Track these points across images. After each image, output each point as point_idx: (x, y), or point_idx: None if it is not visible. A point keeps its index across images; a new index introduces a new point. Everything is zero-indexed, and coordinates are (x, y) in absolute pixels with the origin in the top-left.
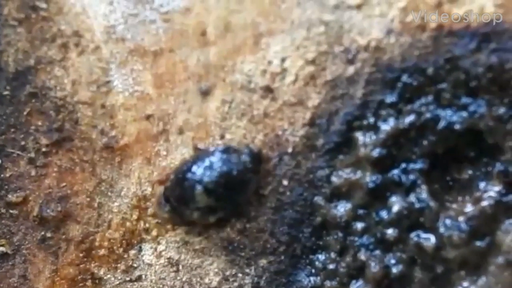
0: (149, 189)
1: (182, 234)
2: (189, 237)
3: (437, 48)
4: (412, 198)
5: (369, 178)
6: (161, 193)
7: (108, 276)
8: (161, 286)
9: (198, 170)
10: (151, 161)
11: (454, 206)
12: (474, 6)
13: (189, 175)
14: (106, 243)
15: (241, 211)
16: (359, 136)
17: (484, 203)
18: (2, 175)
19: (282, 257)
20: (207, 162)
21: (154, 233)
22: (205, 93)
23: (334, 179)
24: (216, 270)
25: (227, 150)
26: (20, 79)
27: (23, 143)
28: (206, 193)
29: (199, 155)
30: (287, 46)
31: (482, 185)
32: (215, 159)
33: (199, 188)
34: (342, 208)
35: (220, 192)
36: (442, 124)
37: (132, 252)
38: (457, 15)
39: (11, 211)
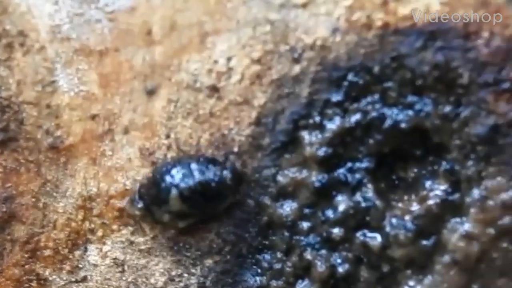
0: (95, 189)
1: (127, 234)
2: (135, 237)
3: (383, 46)
4: (358, 197)
5: (315, 177)
6: (136, 190)
7: (54, 277)
8: (106, 286)
9: (177, 174)
10: (97, 161)
11: (400, 205)
12: (420, 4)
13: (167, 177)
14: (51, 244)
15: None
16: (305, 135)
17: (430, 202)
18: None
19: (228, 257)
20: (187, 168)
21: (99, 233)
22: (151, 93)
23: (280, 178)
24: (161, 270)
25: (210, 161)
26: None
27: None
28: (180, 198)
29: (182, 158)
30: (233, 45)
31: (428, 184)
32: (197, 167)
33: (174, 192)
34: (288, 208)
35: (195, 200)
36: (388, 123)
37: (78, 252)
38: (403, 13)
39: None
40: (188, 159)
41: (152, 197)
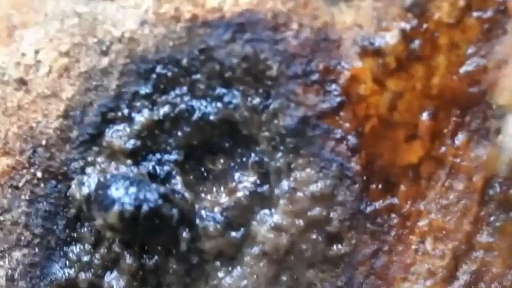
0: None
1: None
2: None
3: (191, 39)
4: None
5: (124, 170)
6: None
7: None
8: None
9: (129, 192)
10: None
11: (209, 197)
12: None
13: (119, 188)
14: None
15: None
16: (114, 127)
17: (239, 194)
18: None
19: (37, 250)
20: (142, 191)
21: None
22: None
23: (89, 170)
24: None
25: (164, 196)
26: None
27: None
28: (119, 216)
29: (141, 180)
30: (41, 38)
31: (237, 176)
32: (150, 195)
33: (116, 208)
34: None
35: (131, 224)
36: (196, 115)
37: None
38: (211, 5)
39: None
40: (145, 185)
41: (97, 197)
